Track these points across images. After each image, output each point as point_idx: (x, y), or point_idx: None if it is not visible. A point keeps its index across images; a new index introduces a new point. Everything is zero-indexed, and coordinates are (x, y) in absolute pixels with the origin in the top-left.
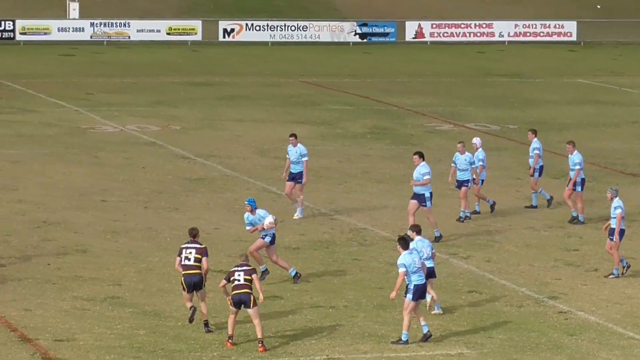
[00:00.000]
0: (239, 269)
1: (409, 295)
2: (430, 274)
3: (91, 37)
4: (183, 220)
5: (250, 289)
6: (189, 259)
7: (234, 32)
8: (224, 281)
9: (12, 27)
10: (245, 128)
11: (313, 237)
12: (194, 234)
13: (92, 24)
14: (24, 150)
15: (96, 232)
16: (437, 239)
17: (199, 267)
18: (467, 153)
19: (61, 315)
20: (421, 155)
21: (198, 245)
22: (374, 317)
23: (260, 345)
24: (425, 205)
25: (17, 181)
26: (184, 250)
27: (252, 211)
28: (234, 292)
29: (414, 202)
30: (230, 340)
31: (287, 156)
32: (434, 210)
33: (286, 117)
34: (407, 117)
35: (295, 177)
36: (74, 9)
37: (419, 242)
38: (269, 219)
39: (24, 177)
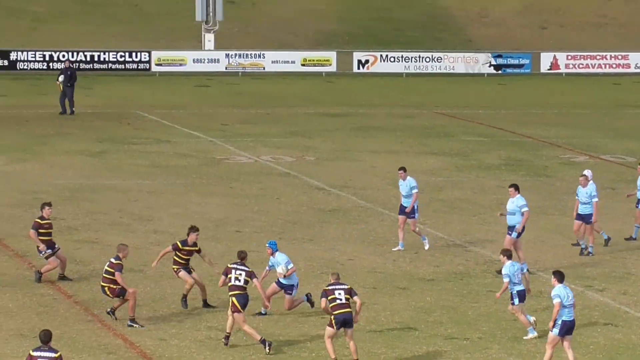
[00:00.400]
0: (338, 287)
1: (555, 330)
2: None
3: (226, 68)
4: (317, 251)
5: (350, 307)
6: (239, 280)
7: (369, 63)
8: (324, 299)
9: (147, 59)
10: (379, 159)
11: (447, 268)
12: (242, 257)
13: (227, 55)
14: (159, 180)
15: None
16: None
17: (246, 289)
18: (588, 186)
19: (196, 345)
20: (517, 188)
21: (247, 269)
22: (508, 349)
23: None
24: (510, 234)
25: (153, 211)
26: (233, 271)
27: (273, 254)
28: (337, 312)
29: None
30: None
31: (400, 190)
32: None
33: (420, 149)
34: (541, 148)
35: (408, 213)
36: (209, 40)
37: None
38: (279, 269)
39: (159, 207)
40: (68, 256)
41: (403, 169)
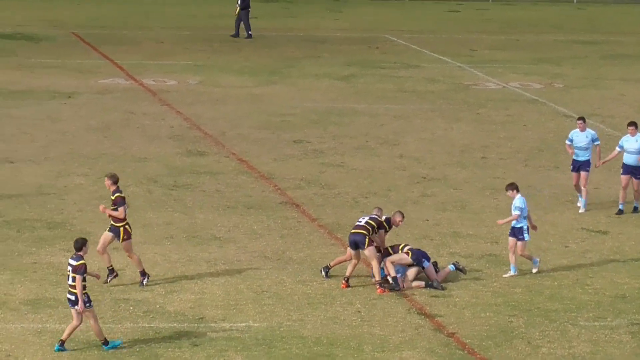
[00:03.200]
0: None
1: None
2: None
3: None
4: (562, 179)
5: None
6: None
7: None
8: None
9: None
10: (628, 87)
11: None
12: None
13: None
14: (407, 105)
15: (475, 189)
16: None
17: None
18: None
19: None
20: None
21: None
22: None
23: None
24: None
25: (399, 136)
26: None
27: None
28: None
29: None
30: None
31: (569, 142)
32: None
33: None
34: None
35: (582, 166)
36: None
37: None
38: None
39: (405, 132)
40: (313, 180)
41: (582, 119)
